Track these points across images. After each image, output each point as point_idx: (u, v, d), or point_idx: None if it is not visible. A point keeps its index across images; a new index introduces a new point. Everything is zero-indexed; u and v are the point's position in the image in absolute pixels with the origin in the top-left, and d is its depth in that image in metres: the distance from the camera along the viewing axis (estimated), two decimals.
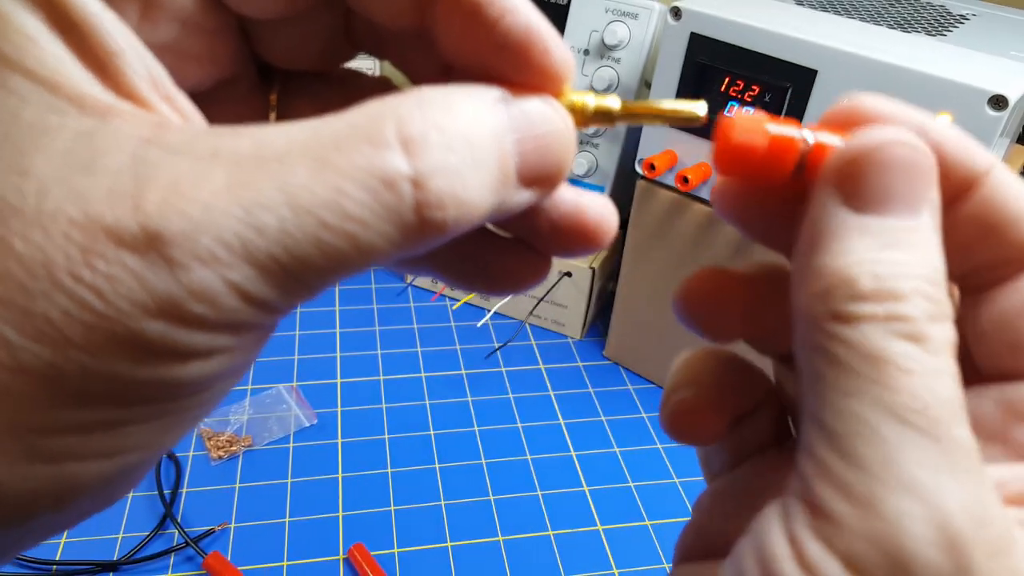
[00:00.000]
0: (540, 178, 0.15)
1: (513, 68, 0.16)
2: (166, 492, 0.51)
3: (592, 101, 0.17)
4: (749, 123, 0.16)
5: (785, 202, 0.17)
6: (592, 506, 0.53)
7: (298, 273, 0.12)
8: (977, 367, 0.17)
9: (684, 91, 0.52)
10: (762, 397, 0.20)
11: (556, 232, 0.18)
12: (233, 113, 0.18)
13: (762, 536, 0.14)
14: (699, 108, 0.17)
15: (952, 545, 0.12)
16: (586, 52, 0.60)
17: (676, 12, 0.50)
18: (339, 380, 0.62)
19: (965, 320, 0.17)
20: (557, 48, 0.15)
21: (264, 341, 0.14)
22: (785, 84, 0.48)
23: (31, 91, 0.12)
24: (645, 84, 0.60)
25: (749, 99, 0.50)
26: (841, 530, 0.13)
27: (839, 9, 0.55)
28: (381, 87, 0.20)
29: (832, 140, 0.16)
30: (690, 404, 0.19)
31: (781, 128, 0.16)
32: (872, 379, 0.13)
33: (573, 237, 0.18)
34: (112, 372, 0.12)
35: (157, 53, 0.15)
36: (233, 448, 0.54)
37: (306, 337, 0.66)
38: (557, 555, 0.50)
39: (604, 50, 0.59)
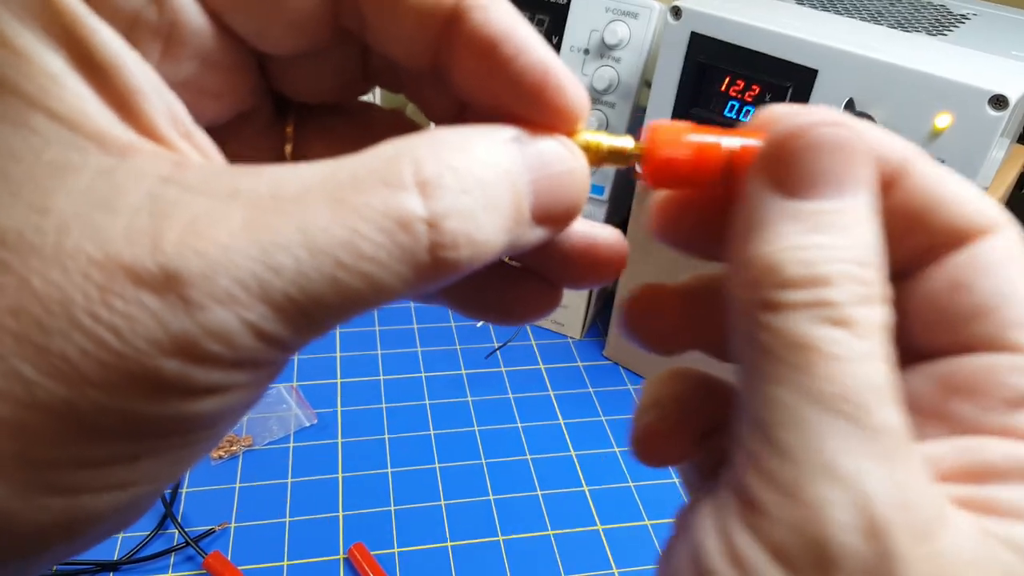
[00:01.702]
0: (554, 216, 0.16)
1: (527, 107, 0.16)
2: (166, 492, 0.51)
3: (606, 141, 0.17)
4: (671, 135, 0.16)
5: (721, 216, 0.17)
6: (592, 506, 0.53)
7: (313, 312, 0.13)
8: (916, 347, 0.17)
9: (684, 91, 0.52)
10: (730, 410, 0.20)
11: (568, 264, 0.18)
12: (250, 145, 0.19)
13: (694, 528, 0.14)
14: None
15: (874, 531, 0.12)
16: (586, 51, 0.60)
17: (676, 11, 0.50)
18: (339, 380, 0.62)
19: (901, 302, 0.17)
20: (572, 87, 0.16)
21: (275, 376, 0.15)
22: (786, 84, 0.48)
23: (53, 130, 0.13)
24: (645, 84, 0.60)
25: (750, 99, 0.50)
26: (768, 520, 0.13)
27: (840, 9, 0.55)
28: (395, 120, 0.20)
29: (754, 142, 0.16)
30: (653, 429, 0.19)
31: (703, 136, 0.16)
32: (797, 366, 0.13)
33: (585, 269, 0.18)
34: (127, 409, 0.12)
35: (178, 89, 0.15)
36: (233, 448, 0.54)
37: None
38: (557, 555, 0.50)
39: (604, 49, 0.59)
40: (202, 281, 0.12)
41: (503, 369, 0.64)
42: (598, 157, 0.17)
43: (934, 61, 0.45)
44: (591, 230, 0.18)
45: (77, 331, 0.12)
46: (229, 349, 0.12)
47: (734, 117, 0.50)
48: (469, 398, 0.61)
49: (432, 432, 0.58)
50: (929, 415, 0.16)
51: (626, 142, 0.17)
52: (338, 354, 0.64)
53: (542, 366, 0.65)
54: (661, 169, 0.16)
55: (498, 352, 0.66)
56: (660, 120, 0.17)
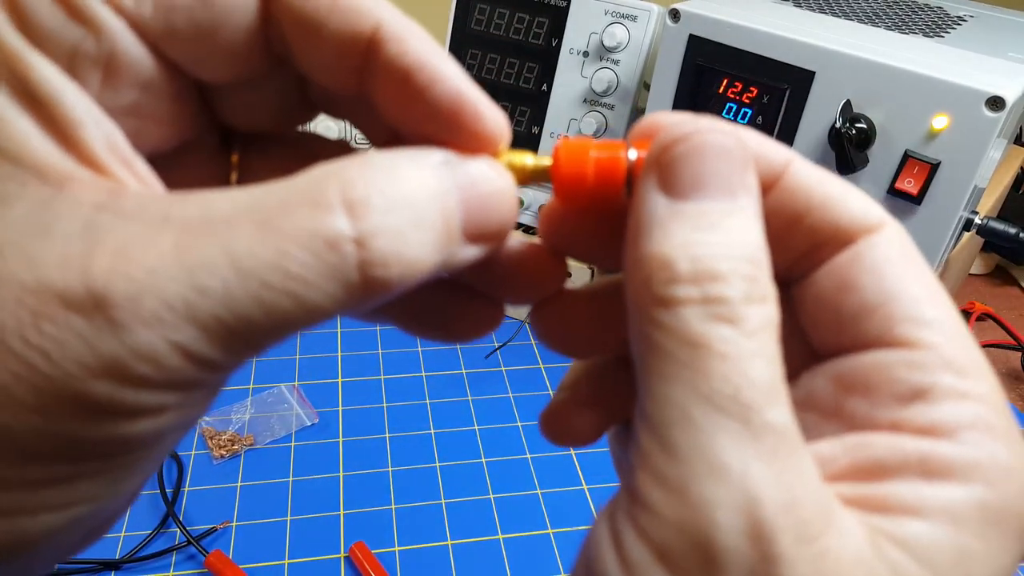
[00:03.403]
0: (485, 234, 0.16)
1: (447, 132, 0.16)
2: (168, 491, 0.51)
3: (530, 160, 0.17)
4: (573, 151, 0.17)
5: (604, 223, 0.18)
6: (591, 504, 0.53)
7: (241, 332, 0.13)
8: (814, 348, 0.17)
9: (683, 93, 0.52)
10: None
11: (508, 280, 0.19)
12: (196, 175, 0.19)
13: (592, 528, 0.14)
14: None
15: (758, 533, 0.12)
16: (585, 54, 0.60)
17: (675, 14, 0.50)
18: (340, 379, 0.62)
19: (796, 305, 0.17)
20: (488, 112, 0.16)
21: (214, 396, 0.15)
22: (783, 86, 0.48)
23: None
24: (644, 86, 0.60)
25: (748, 101, 0.50)
26: (655, 519, 0.13)
27: (837, 11, 0.55)
28: (340, 149, 0.20)
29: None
30: (561, 407, 0.19)
31: (603, 151, 0.17)
32: (688, 364, 0.13)
33: (524, 285, 0.19)
34: (61, 431, 0.12)
35: (119, 116, 0.15)
36: (235, 447, 0.55)
37: (307, 337, 0.66)
38: (557, 553, 0.50)
39: (603, 52, 0.60)
40: (128, 303, 0.12)
41: (503, 368, 0.65)
42: (523, 176, 0.17)
43: (931, 63, 0.45)
44: (529, 248, 0.19)
45: (9, 356, 0.12)
46: (157, 370, 0.12)
47: (732, 119, 0.51)
48: (469, 397, 0.61)
49: (432, 431, 0.58)
50: (827, 414, 0.16)
51: (548, 161, 0.17)
52: (339, 353, 0.64)
53: (542, 365, 0.65)
54: (566, 185, 0.17)
55: (498, 352, 0.66)
56: (569, 137, 0.17)
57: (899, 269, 0.16)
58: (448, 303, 0.20)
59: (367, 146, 0.22)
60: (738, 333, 0.13)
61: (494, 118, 0.16)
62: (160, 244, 0.13)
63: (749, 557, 0.12)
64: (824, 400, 0.16)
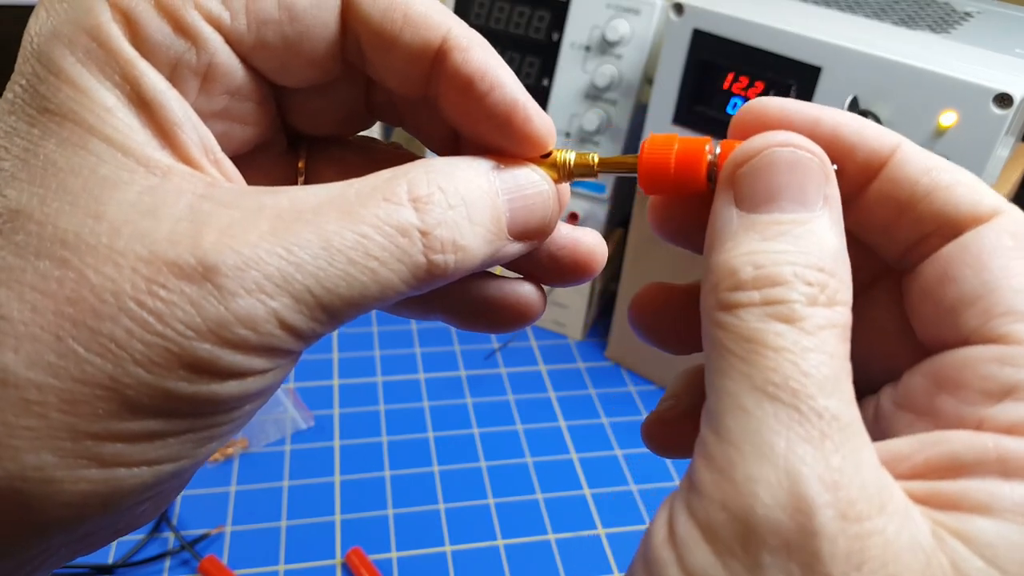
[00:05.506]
0: (528, 232, 0.18)
1: (500, 133, 0.18)
2: None
3: (572, 156, 0.19)
4: (658, 143, 0.18)
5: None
6: (593, 509, 0.52)
7: (327, 303, 0.15)
8: (922, 344, 0.17)
9: (687, 88, 0.51)
10: None
11: (554, 264, 0.21)
12: (265, 176, 0.21)
13: (655, 515, 0.15)
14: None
15: (798, 507, 0.13)
16: (587, 48, 0.59)
17: (678, 8, 0.50)
18: (336, 381, 0.61)
19: (904, 299, 0.17)
20: (537, 118, 0.18)
21: (288, 371, 0.16)
22: (789, 81, 0.47)
23: (107, 152, 0.15)
24: (647, 81, 0.59)
25: (753, 96, 0.49)
26: (702, 498, 0.14)
27: (843, 6, 0.54)
28: (394, 151, 0.23)
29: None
30: (663, 416, 0.20)
31: (687, 144, 0.17)
32: (744, 358, 0.14)
33: (569, 267, 0.21)
34: (162, 386, 0.14)
35: (212, 119, 0.18)
36: (229, 451, 0.54)
37: None
38: (558, 559, 0.49)
39: (605, 46, 0.59)
40: (234, 272, 0.14)
41: (503, 370, 0.64)
42: (567, 172, 0.19)
43: (938, 59, 0.44)
44: (572, 232, 0.21)
45: (124, 315, 0.14)
46: (254, 334, 0.14)
47: None
48: (468, 400, 0.61)
49: (431, 435, 0.57)
50: (921, 413, 0.16)
51: (592, 157, 0.19)
52: (335, 355, 0.64)
53: (543, 367, 0.65)
54: (650, 179, 0.18)
55: (498, 353, 0.65)
56: (656, 135, 0.18)
57: (1005, 260, 0.15)
58: (494, 295, 0.22)
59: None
60: (795, 329, 0.14)
61: (542, 123, 0.18)
62: (259, 227, 0.15)
63: (788, 529, 0.13)
64: (919, 399, 0.16)
